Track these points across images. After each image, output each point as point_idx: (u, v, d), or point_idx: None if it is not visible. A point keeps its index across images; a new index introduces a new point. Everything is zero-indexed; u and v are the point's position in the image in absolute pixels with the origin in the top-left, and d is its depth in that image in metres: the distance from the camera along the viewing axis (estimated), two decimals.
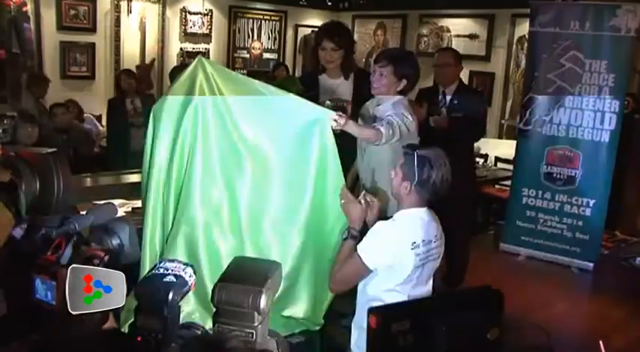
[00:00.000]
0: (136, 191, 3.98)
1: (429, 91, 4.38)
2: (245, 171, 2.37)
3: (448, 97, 4.24)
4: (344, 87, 3.59)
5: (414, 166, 2.28)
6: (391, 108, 3.05)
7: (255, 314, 1.59)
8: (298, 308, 2.46)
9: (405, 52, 3.48)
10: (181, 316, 1.27)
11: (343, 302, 2.53)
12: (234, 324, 1.59)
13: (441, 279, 4.27)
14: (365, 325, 2.07)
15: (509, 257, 4.96)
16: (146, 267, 2.14)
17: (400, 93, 3.14)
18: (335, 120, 2.50)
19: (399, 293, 2.28)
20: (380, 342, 1.09)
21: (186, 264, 1.04)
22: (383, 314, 1.03)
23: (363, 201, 2.42)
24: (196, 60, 2.36)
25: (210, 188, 2.34)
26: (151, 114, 2.38)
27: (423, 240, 2.30)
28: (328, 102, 3.54)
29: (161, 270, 1.26)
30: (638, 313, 4.01)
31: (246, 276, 1.70)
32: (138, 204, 3.71)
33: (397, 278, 2.28)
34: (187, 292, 1.06)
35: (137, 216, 3.48)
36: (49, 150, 1.51)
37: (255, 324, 1.60)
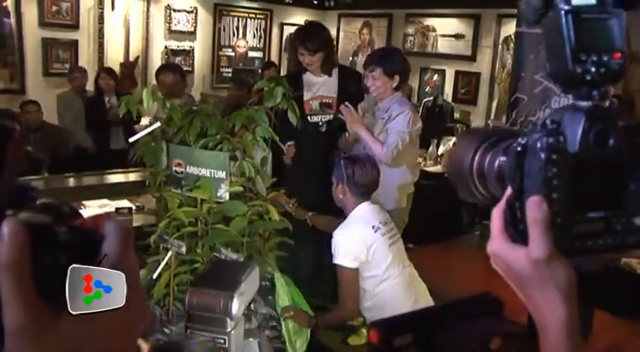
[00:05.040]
0: (119, 191, 3.95)
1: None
2: None
3: None
4: (328, 84, 3.62)
5: (341, 168, 2.65)
6: (397, 109, 3.25)
7: (227, 319, 1.55)
8: None
9: (390, 50, 3.65)
10: None
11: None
12: (206, 330, 1.55)
13: None
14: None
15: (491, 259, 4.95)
16: None
17: (396, 89, 3.29)
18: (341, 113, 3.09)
19: (389, 280, 2.56)
20: None
21: None
22: (385, 329, 0.99)
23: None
24: None
25: None
26: None
27: (380, 222, 2.62)
28: (315, 102, 3.55)
29: None
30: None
31: (218, 280, 1.65)
32: (120, 204, 3.68)
33: (382, 263, 2.55)
34: None
35: (119, 217, 3.44)
36: None
37: (228, 330, 1.55)
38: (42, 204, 0.50)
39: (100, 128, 5.69)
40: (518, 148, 0.66)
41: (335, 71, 3.61)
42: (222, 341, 1.54)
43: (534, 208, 0.64)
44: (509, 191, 0.68)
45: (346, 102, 3.26)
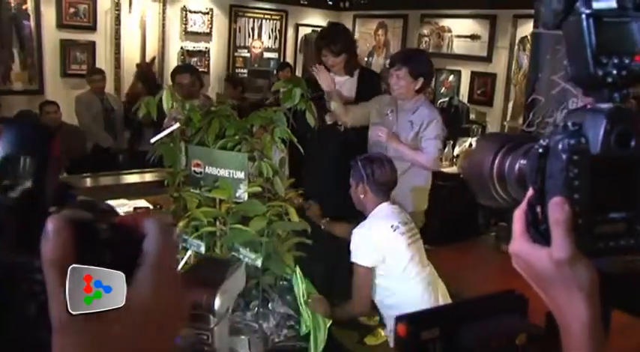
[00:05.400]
0: (136, 191, 3.98)
1: None
2: None
3: None
4: (349, 84, 3.67)
5: (359, 169, 2.66)
6: (428, 115, 3.29)
7: (210, 316, 1.57)
8: None
9: (417, 51, 3.66)
10: None
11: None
12: (190, 326, 1.56)
13: None
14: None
15: (511, 259, 4.93)
16: None
17: (419, 91, 3.29)
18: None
19: (408, 279, 2.57)
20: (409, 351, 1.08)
21: None
22: (412, 322, 1.01)
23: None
24: None
25: None
26: None
27: (400, 222, 2.61)
28: (333, 102, 3.57)
29: None
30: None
31: (202, 277, 1.67)
32: (139, 203, 3.71)
33: (401, 261, 2.55)
34: None
35: None
36: None
37: (211, 326, 1.57)
38: (81, 201, 0.51)
39: (134, 129, 5.81)
40: (540, 150, 0.67)
41: (356, 72, 3.65)
42: (205, 337, 1.56)
43: (556, 209, 0.65)
44: (530, 192, 0.69)
45: (381, 128, 3.28)
